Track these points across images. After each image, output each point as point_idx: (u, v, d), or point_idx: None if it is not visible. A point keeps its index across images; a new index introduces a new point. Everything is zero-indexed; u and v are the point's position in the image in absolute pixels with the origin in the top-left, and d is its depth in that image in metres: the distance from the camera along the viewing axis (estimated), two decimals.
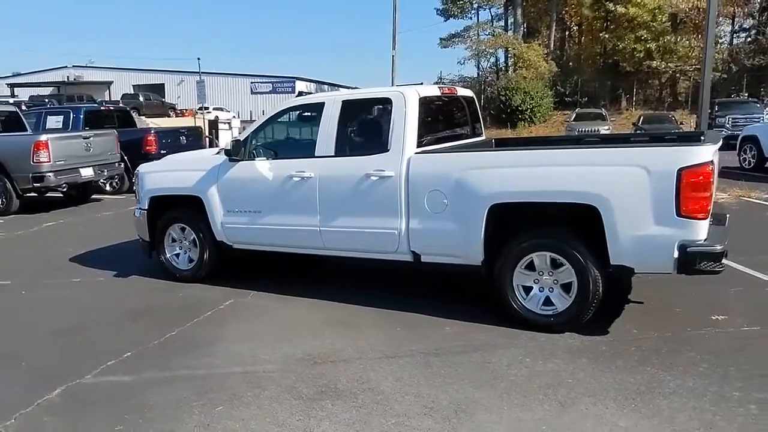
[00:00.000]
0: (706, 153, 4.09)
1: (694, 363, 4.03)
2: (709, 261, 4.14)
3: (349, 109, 5.46)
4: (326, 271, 6.66)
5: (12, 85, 55.65)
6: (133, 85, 56.79)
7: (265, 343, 4.65)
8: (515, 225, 4.73)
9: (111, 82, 57.80)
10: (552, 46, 35.66)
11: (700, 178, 4.06)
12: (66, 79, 57.48)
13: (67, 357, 4.48)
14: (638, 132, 18.84)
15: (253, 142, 5.85)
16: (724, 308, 5.08)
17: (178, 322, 5.12)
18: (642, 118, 23.59)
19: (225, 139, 21.27)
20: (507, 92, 30.45)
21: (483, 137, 6.49)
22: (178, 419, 3.51)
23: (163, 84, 57.47)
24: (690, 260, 4.13)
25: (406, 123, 5.06)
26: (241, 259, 6.39)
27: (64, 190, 11.49)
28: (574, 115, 24.96)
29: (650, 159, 4.20)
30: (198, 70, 39.15)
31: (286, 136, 5.94)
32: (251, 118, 48.73)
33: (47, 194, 12.08)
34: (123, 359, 4.40)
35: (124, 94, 42.91)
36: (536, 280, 4.69)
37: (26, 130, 12.65)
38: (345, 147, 5.38)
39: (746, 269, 6.17)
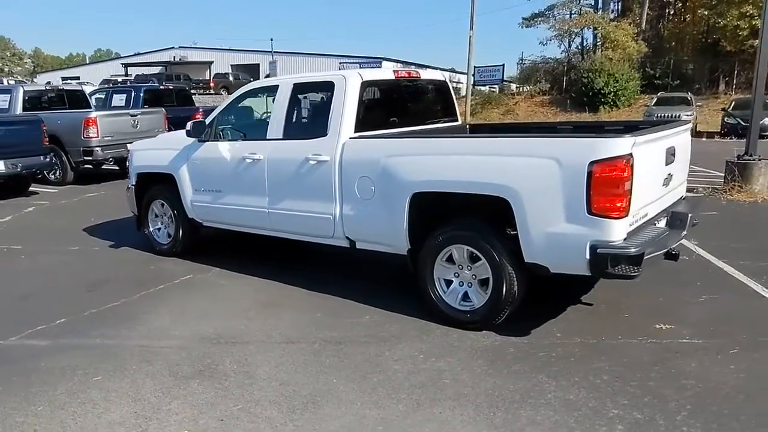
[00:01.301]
0: (622, 146, 3.70)
1: (596, 374, 3.71)
2: (622, 264, 3.77)
3: (298, 92, 5.42)
4: (299, 253, 6.68)
5: (126, 65, 59.83)
6: (231, 65, 59.33)
7: (188, 319, 4.77)
8: (438, 215, 4.52)
9: (211, 62, 60.21)
10: (644, 25, 33.30)
11: (613, 173, 3.69)
12: (172, 59, 60.89)
13: (7, 319, 4.82)
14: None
15: (218, 123, 5.96)
16: (679, 316, 4.62)
17: (128, 294, 5.36)
18: (734, 103, 21.62)
19: None
20: (590, 74, 28.75)
21: (456, 122, 6.21)
22: (53, 384, 3.69)
23: (258, 64, 59.50)
24: (600, 262, 3.78)
25: (344, 107, 4.94)
26: (234, 237, 6.51)
27: (112, 163, 12.23)
28: (655, 100, 23.21)
29: (562, 151, 3.86)
30: (272, 50, 40.24)
31: (246, 118, 5.99)
32: None
33: (102, 167, 12.94)
34: (53, 325, 4.67)
35: (216, 74, 44.88)
36: (456, 274, 4.48)
37: (90, 108, 13.61)
38: (292, 130, 5.36)
39: (740, 275, 5.57)
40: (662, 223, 4.53)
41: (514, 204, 4.00)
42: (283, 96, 5.43)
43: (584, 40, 35.36)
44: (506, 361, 3.93)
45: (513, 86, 39.11)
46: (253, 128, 5.70)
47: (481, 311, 4.34)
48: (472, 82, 33.04)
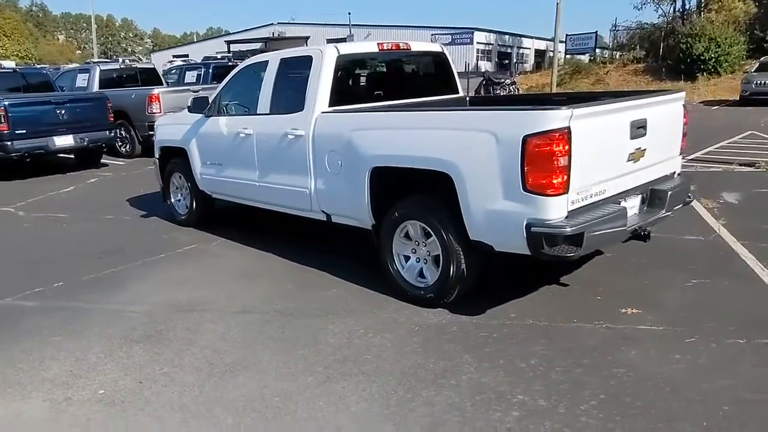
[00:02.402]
0: (558, 119, 3.47)
1: (525, 358, 3.56)
2: (561, 244, 3.57)
3: (284, 67, 5.47)
4: (306, 226, 6.78)
5: (229, 42, 62.46)
6: (326, 39, 60.25)
7: (169, 286, 5.03)
8: (398, 190, 4.46)
9: (308, 37, 61.36)
10: None
11: (547, 148, 3.47)
12: (271, 35, 62.79)
13: (15, 280, 5.28)
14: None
15: (221, 99, 6.16)
16: (653, 301, 4.31)
17: (131, 261, 5.72)
18: None
19: None
20: (688, 39, 26.50)
21: (456, 95, 6.00)
22: (18, 342, 4.02)
23: (352, 37, 60.01)
24: (536, 242, 3.59)
25: (319, 81, 4.95)
26: (249, 209, 6.69)
27: None
28: (756, 65, 21.06)
29: (498, 124, 3.68)
30: (349, 23, 40.44)
31: (244, 94, 6.10)
32: None
33: None
34: (50, 287, 5.08)
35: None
36: (413, 250, 4.43)
37: (162, 85, 14.42)
38: (276, 105, 5.43)
39: (751, 259, 5.09)
40: (634, 201, 4.21)
41: (456, 179, 3.87)
42: (272, 71, 5.51)
43: (685, 3, 32.66)
44: (442, 339, 3.86)
45: (616, 54, 36.88)
46: (248, 103, 5.82)
47: (433, 289, 4.28)
48: (562, 51, 31.60)
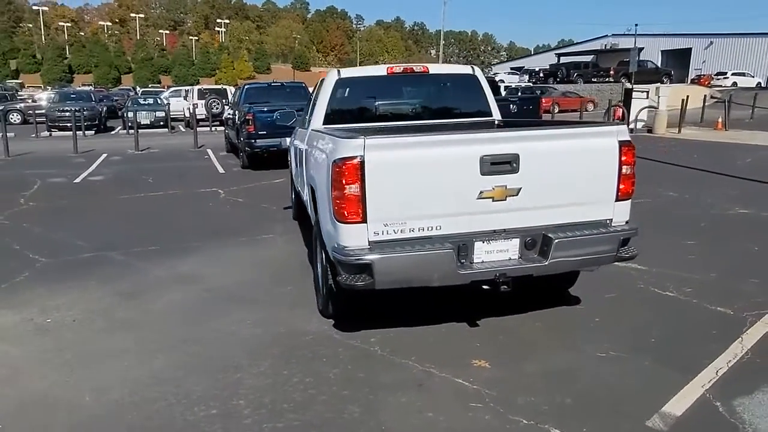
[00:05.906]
0: (350, 148, 3.48)
1: (299, 372, 3.72)
2: (350, 273, 3.57)
3: (319, 87, 6.09)
4: None
5: (558, 55, 62.64)
6: (661, 51, 56.12)
7: (200, 263, 6.11)
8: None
9: (641, 49, 57.63)
10: None
11: (340, 175, 3.52)
12: (603, 47, 60.68)
13: (140, 240, 7.00)
14: None
15: (305, 112, 7.09)
16: (519, 363, 3.82)
17: (219, 240, 7.04)
18: None
19: (636, 108, 20.17)
20: None
21: (488, 118, 5.73)
22: (69, 277, 5.64)
23: (690, 48, 54.31)
24: (332, 268, 3.66)
25: (318, 101, 5.53)
26: None
27: None
28: None
29: (328, 148, 3.82)
30: (635, 33, 36.41)
31: (308, 109, 6.80)
32: None
33: None
34: (146, 249, 6.67)
35: (619, 62, 43.03)
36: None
37: None
38: (309, 121, 6.12)
39: (732, 349, 3.86)
40: (505, 245, 3.73)
41: (316, 196, 4.12)
42: (317, 90, 6.22)
43: None
44: (284, 345, 4.14)
45: None
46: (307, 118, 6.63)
47: (322, 301, 4.53)
48: None
